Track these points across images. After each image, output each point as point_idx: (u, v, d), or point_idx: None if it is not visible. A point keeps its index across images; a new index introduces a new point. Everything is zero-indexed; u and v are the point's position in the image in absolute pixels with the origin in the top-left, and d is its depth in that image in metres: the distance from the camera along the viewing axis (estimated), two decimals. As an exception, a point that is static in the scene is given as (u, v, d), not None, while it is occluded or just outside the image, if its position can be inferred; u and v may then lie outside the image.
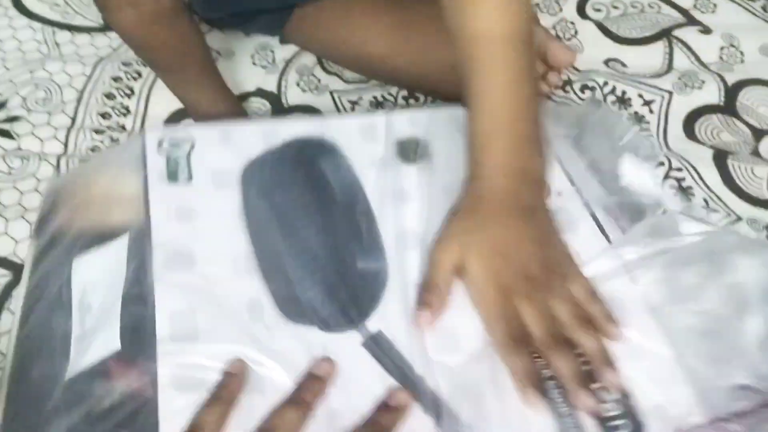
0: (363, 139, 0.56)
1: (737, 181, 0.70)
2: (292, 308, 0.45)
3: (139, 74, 0.80)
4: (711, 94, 0.76)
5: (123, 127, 0.76)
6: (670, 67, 0.79)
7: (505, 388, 0.42)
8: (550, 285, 0.45)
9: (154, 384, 0.41)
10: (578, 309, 0.45)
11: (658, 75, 0.79)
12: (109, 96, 0.78)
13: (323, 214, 0.51)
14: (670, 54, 0.80)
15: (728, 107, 0.76)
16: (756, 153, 0.72)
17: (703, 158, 0.70)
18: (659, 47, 0.81)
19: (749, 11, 0.84)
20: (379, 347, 0.44)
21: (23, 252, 0.66)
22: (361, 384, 0.42)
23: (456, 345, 0.45)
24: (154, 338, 0.43)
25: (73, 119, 0.76)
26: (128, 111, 0.78)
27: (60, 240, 0.50)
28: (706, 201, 0.67)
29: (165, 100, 0.77)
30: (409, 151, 0.56)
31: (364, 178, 0.54)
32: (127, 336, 0.44)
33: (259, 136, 0.56)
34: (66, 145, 0.74)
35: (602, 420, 0.42)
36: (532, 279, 0.45)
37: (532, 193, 0.49)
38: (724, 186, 0.68)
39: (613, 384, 0.42)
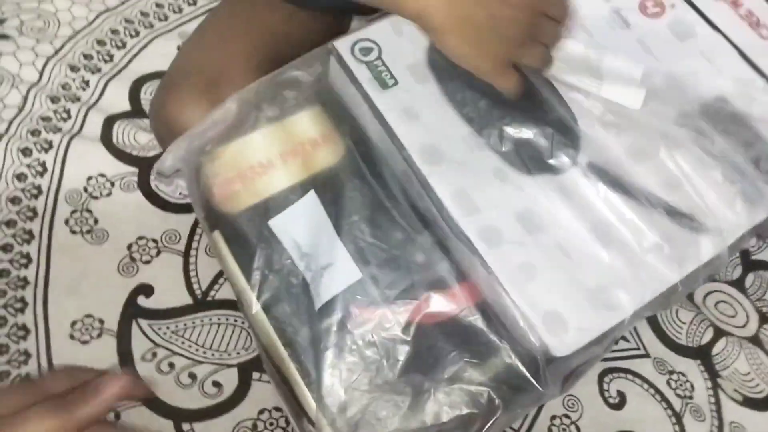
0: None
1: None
2: (523, 163, 0.54)
3: (137, 33, 0.83)
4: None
5: (99, 70, 0.79)
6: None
7: None
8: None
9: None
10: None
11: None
12: (101, 42, 0.81)
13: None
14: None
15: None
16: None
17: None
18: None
19: None
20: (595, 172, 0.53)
21: None
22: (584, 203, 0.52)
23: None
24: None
25: (57, 51, 0.79)
26: (112, 59, 0.80)
27: (244, 217, 0.54)
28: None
29: (156, 58, 0.80)
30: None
31: None
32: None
33: None
34: (41, 74, 0.77)
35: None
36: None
37: None
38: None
39: None
